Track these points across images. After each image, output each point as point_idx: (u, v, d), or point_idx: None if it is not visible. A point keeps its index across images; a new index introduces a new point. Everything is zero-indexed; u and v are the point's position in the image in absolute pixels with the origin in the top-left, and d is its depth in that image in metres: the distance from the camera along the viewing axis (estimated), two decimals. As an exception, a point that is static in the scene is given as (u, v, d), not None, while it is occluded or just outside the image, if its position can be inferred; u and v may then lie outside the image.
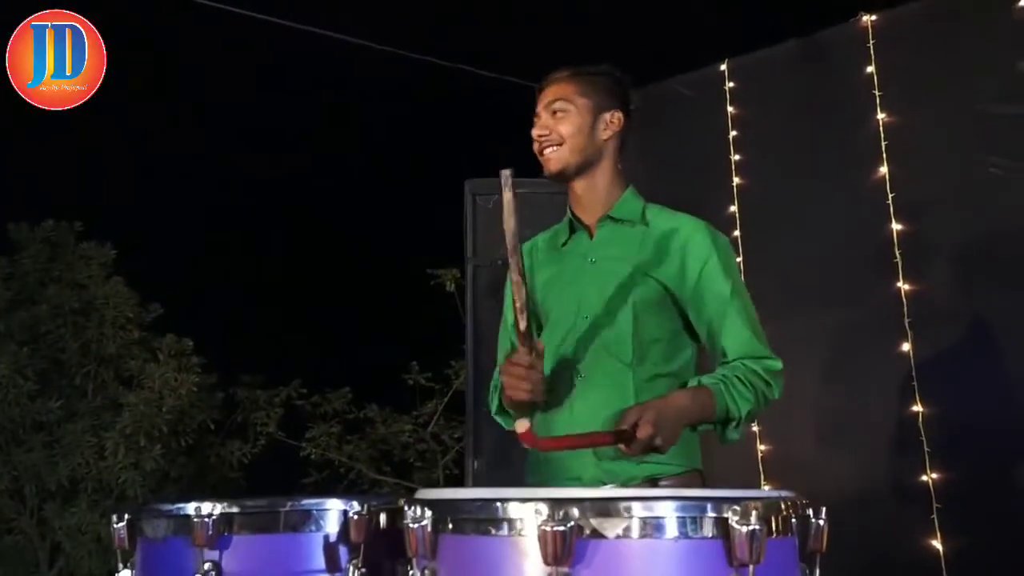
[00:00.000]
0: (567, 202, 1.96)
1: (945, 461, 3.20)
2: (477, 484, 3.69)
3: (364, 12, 5.37)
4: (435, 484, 5.87)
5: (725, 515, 1.03)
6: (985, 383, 3.21)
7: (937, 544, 3.13)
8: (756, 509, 1.02)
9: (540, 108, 1.90)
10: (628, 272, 1.83)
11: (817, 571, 1.17)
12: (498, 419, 1.99)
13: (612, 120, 1.90)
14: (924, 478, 3.20)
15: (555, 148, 1.87)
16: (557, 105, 1.87)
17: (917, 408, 3.27)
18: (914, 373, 3.30)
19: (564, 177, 1.89)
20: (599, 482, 1.78)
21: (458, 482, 5.55)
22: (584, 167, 1.88)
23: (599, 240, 1.90)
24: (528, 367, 1.65)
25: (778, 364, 1.80)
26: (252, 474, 5.57)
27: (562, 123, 1.86)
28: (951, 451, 3.21)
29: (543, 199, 3.50)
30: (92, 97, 3.91)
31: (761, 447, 3.68)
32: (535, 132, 1.89)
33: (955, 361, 3.27)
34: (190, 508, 1.42)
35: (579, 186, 1.90)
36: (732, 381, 1.73)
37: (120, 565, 1.53)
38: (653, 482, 1.78)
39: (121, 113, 6.03)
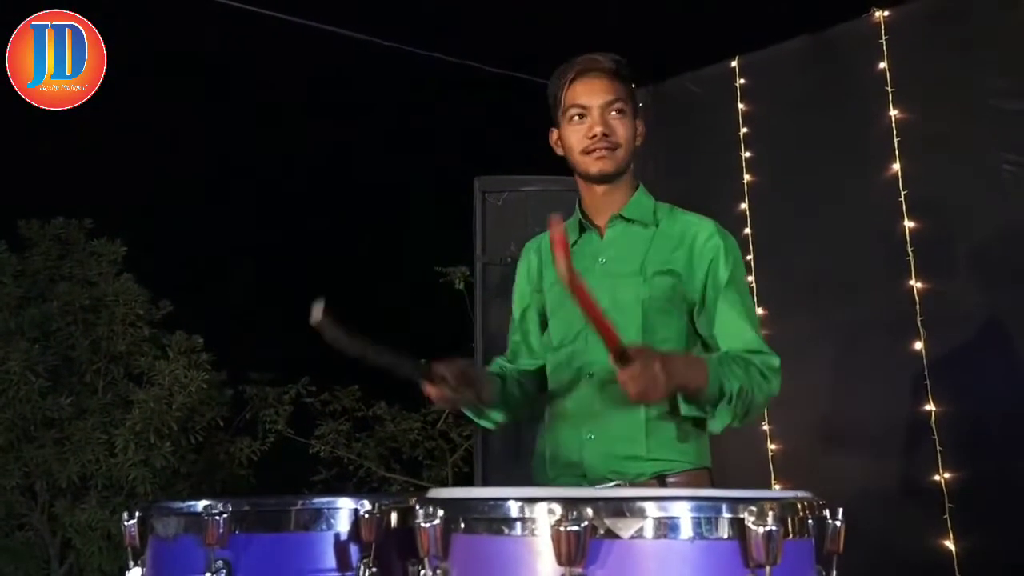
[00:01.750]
0: (577, 200, 1.95)
1: (958, 460, 3.18)
2: (486, 482, 3.68)
3: (371, 8, 5.36)
4: (444, 482, 5.87)
5: (741, 516, 1.01)
6: (998, 382, 3.19)
7: (950, 544, 3.11)
8: (773, 510, 1.01)
9: (593, 102, 1.81)
10: (637, 272, 1.82)
11: (834, 573, 1.16)
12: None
13: (641, 128, 1.89)
14: (936, 478, 3.18)
15: (613, 150, 1.81)
16: (617, 106, 1.81)
17: (929, 407, 3.25)
18: (926, 372, 3.28)
19: (609, 179, 1.85)
20: (607, 480, 1.77)
21: (467, 480, 5.55)
22: (622, 174, 1.86)
23: (609, 240, 1.89)
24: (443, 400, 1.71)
25: (775, 360, 1.76)
26: (261, 471, 5.58)
27: (622, 126, 1.82)
28: (964, 450, 3.19)
29: (554, 197, 3.50)
30: (99, 94, 3.92)
31: (771, 446, 3.67)
32: (597, 129, 1.80)
33: (968, 360, 3.25)
34: (201, 506, 1.42)
35: (603, 189, 1.87)
36: (725, 360, 1.70)
37: (131, 563, 1.53)
38: (661, 479, 1.77)
39: (129, 111, 6.05)
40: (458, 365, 1.72)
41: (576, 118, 1.83)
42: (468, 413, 1.92)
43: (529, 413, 1.99)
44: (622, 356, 1.50)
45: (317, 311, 1.56)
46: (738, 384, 1.66)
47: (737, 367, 1.68)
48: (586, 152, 1.82)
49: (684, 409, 1.70)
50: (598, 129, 1.80)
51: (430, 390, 1.72)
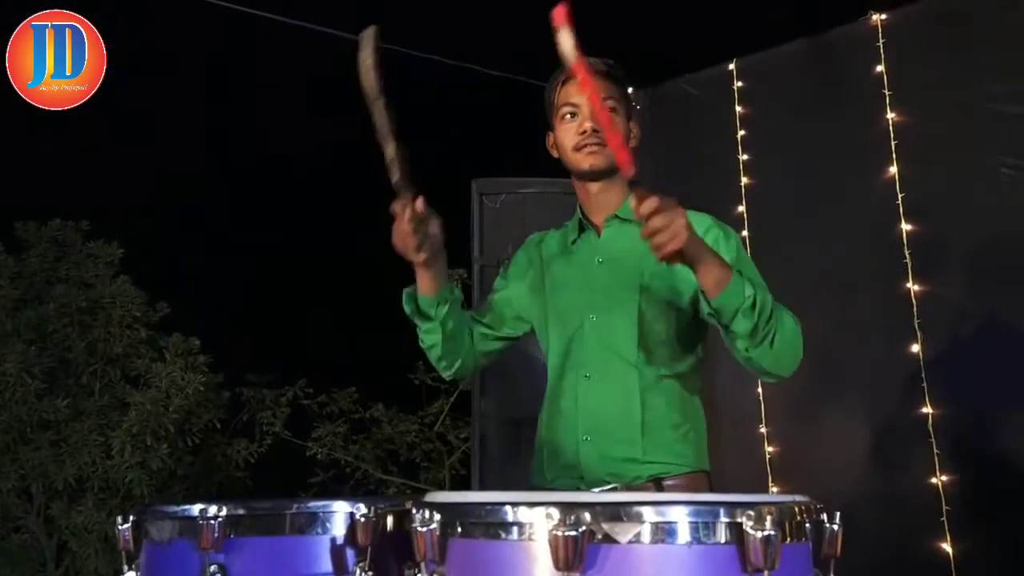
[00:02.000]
0: (577, 201, 1.95)
1: (955, 463, 3.18)
2: (484, 484, 3.68)
3: (370, 11, 5.34)
4: (441, 484, 5.86)
5: (739, 520, 1.01)
6: (995, 385, 3.19)
7: (947, 547, 3.11)
8: (771, 514, 1.00)
9: (583, 101, 1.82)
10: (635, 272, 1.82)
11: (831, 577, 1.16)
12: (414, 319, 1.89)
13: (634, 132, 1.89)
14: (934, 480, 3.18)
15: (603, 146, 1.81)
16: (608, 104, 1.81)
17: (927, 410, 3.25)
18: (924, 374, 3.28)
19: (598, 175, 1.85)
20: (604, 483, 1.77)
21: (464, 482, 5.55)
22: (615, 171, 1.84)
23: (606, 240, 1.89)
24: (404, 217, 1.67)
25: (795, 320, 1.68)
26: (258, 474, 5.57)
27: (616, 123, 1.81)
28: (961, 453, 3.19)
29: (551, 199, 3.50)
30: (97, 95, 3.91)
31: (769, 449, 3.67)
32: (587, 125, 1.81)
33: (965, 362, 3.25)
34: (195, 510, 1.41)
35: (597, 187, 1.88)
36: (749, 275, 1.63)
37: (125, 567, 1.52)
38: (658, 482, 1.76)
39: (127, 112, 6.04)
40: (430, 224, 1.70)
41: (568, 116, 1.85)
42: (407, 296, 1.87)
43: (453, 353, 1.92)
44: (636, 182, 1.46)
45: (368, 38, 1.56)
46: (762, 295, 1.57)
47: (762, 289, 1.62)
48: (577, 148, 1.83)
49: (703, 307, 1.61)
50: (588, 125, 1.81)
51: (396, 209, 1.69)
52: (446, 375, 1.98)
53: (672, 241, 1.47)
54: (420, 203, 1.67)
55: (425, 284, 1.81)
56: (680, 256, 1.51)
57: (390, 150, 1.61)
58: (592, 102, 1.44)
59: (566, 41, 1.33)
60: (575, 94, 1.83)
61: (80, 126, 4.78)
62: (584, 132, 1.81)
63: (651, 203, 1.46)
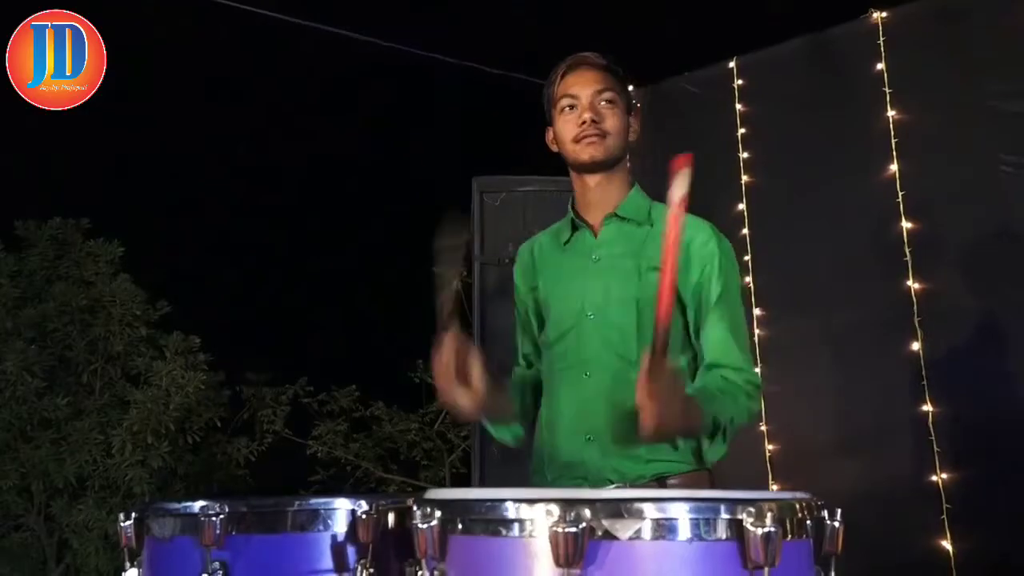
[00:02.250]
0: (570, 200, 1.94)
1: (955, 461, 3.18)
2: (484, 483, 3.68)
3: (371, 9, 5.36)
4: (441, 483, 5.86)
5: (739, 517, 1.01)
6: (996, 383, 3.19)
7: (947, 545, 3.11)
8: (771, 511, 1.00)
9: (583, 91, 1.82)
10: (632, 270, 1.81)
11: (832, 574, 1.16)
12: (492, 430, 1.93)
13: (635, 125, 1.89)
14: (934, 478, 3.18)
15: (603, 137, 1.81)
16: (607, 96, 1.82)
17: (927, 408, 3.25)
18: (924, 372, 3.28)
19: (599, 167, 1.84)
20: (606, 481, 1.77)
21: (464, 481, 5.55)
22: (614, 164, 1.85)
23: (603, 238, 1.88)
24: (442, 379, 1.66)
25: (758, 379, 1.79)
26: (258, 472, 5.57)
27: (612, 115, 1.82)
28: (961, 451, 3.19)
29: (551, 197, 3.50)
30: (97, 94, 3.92)
31: (769, 447, 3.66)
32: (586, 116, 1.81)
33: (965, 360, 3.25)
34: (197, 507, 1.41)
35: (595, 180, 1.86)
36: (713, 391, 1.71)
37: (127, 564, 1.52)
38: (661, 481, 1.76)
39: (127, 111, 6.04)
40: (471, 357, 1.67)
41: (567, 109, 1.84)
42: (486, 424, 1.90)
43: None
44: (659, 350, 1.45)
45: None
46: (729, 415, 1.69)
47: (727, 397, 1.71)
48: (576, 140, 1.82)
49: (680, 444, 1.71)
50: (587, 115, 1.81)
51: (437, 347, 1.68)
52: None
53: (662, 428, 1.50)
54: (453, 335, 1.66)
55: (495, 420, 1.86)
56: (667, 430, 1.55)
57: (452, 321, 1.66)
58: (668, 253, 1.41)
59: (679, 189, 1.33)
60: (573, 85, 1.83)
61: (80, 126, 4.78)
62: (583, 123, 1.81)
63: (663, 379, 1.47)
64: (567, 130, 1.83)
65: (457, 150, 6.88)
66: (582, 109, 1.81)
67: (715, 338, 1.78)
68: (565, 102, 1.84)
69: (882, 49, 3.52)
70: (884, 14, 3.55)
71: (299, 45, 5.74)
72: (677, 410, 1.50)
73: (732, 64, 4.01)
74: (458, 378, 1.66)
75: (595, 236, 1.89)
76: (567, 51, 1.90)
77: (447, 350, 1.66)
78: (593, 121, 1.80)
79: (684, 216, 1.40)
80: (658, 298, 1.40)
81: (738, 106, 3.94)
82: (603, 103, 1.82)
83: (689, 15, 5.68)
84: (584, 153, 1.82)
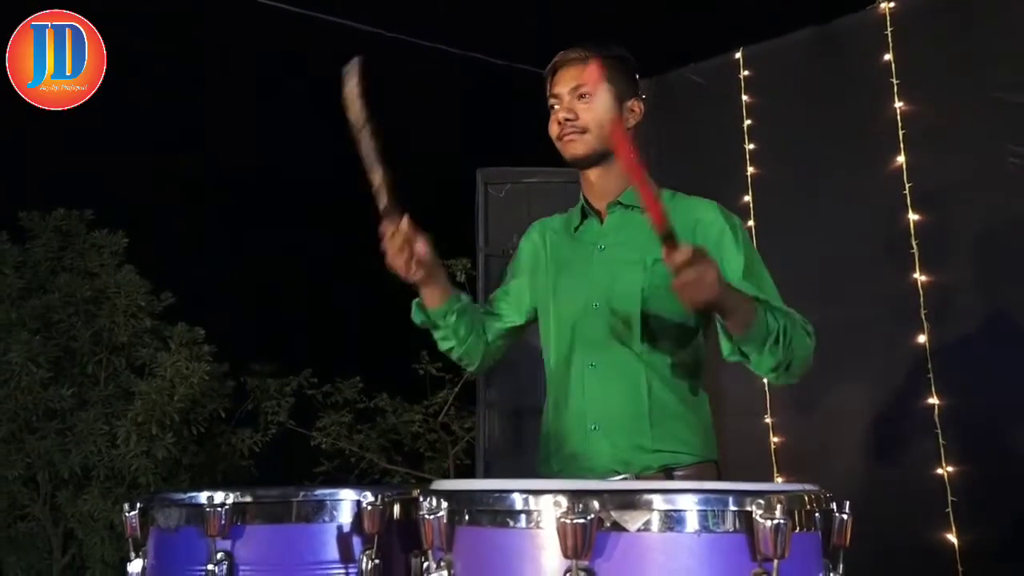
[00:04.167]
0: (580, 187, 1.94)
1: (961, 454, 3.17)
2: (488, 475, 3.68)
3: (375, 0, 5.34)
4: (445, 474, 5.87)
5: (748, 509, 1.01)
6: (1002, 376, 3.18)
7: (952, 538, 3.11)
8: (781, 503, 1.00)
9: (562, 90, 1.85)
10: (638, 259, 1.81)
11: (840, 567, 1.15)
12: (417, 321, 1.96)
13: (634, 108, 1.87)
14: (939, 471, 3.17)
15: (580, 134, 1.82)
16: (584, 89, 1.82)
17: (933, 400, 3.24)
18: (930, 365, 3.27)
19: (584, 163, 1.86)
20: (613, 472, 1.76)
21: (469, 472, 5.55)
22: (606, 155, 1.84)
23: (609, 226, 1.88)
24: (391, 240, 1.73)
25: (810, 325, 1.75)
26: (263, 463, 5.57)
27: (589, 109, 1.82)
28: (967, 444, 3.18)
29: (556, 188, 3.49)
30: (99, 94, 3.91)
31: (774, 439, 3.66)
32: (560, 115, 1.83)
33: (971, 353, 3.23)
34: (202, 498, 1.41)
35: (594, 173, 1.87)
36: (768, 305, 1.68)
37: (132, 554, 1.53)
38: (668, 472, 1.76)
39: (130, 103, 6.03)
40: (417, 243, 1.75)
41: (554, 108, 1.87)
42: (416, 307, 1.93)
43: (471, 352, 1.98)
44: (669, 236, 1.45)
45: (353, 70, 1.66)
46: (782, 324, 1.64)
47: (780, 314, 1.67)
48: (558, 139, 1.86)
49: (726, 349, 1.67)
50: (562, 115, 1.84)
51: (384, 232, 1.75)
52: (469, 371, 2.06)
53: (703, 293, 1.49)
54: (405, 223, 1.73)
55: (428, 299, 1.89)
56: (708, 305, 1.54)
57: (377, 177, 1.70)
58: (644, 196, 1.47)
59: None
60: (556, 84, 1.86)
61: (81, 123, 4.78)
62: (560, 123, 1.83)
63: (683, 254, 1.45)
64: (552, 129, 1.88)
65: (461, 141, 6.87)
66: (560, 108, 1.84)
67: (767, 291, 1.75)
68: (551, 101, 1.88)
69: (889, 40, 3.50)
70: (891, 5, 3.53)
71: (301, 36, 5.71)
72: (713, 275, 1.48)
73: (738, 55, 3.99)
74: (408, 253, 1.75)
75: (601, 224, 1.89)
76: (572, 41, 1.91)
77: (401, 232, 1.73)
78: (567, 120, 1.82)
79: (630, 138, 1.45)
80: (647, 211, 1.47)
81: (744, 97, 3.92)
82: (579, 99, 1.83)
83: (695, 5, 5.66)
84: (566, 151, 1.86)
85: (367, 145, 1.70)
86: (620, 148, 1.44)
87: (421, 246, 1.76)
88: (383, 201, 1.71)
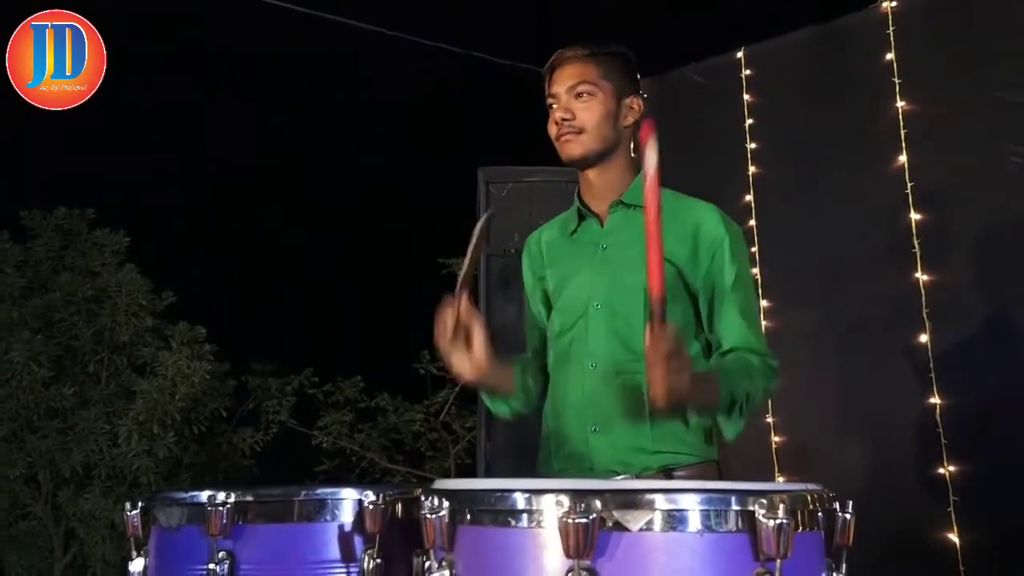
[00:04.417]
0: (576, 190, 1.93)
1: (962, 454, 3.17)
2: (489, 474, 3.67)
3: (377, -1, 5.33)
4: (446, 474, 5.87)
5: (751, 508, 1.00)
6: (1004, 375, 3.18)
7: (953, 537, 3.10)
8: (783, 502, 0.99)
9: (559, 89, 1.83)
10: (639, 260, 1.79)
11: (843, 567, 1.15)
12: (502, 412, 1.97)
13: (633, 106, 1.86)
14: (941, 471, 3.17)
15: (578, 134, 1.81)
16: (581, 88, 1.80)
17: (934, 400, 3.24)
18: (931, 364, 3.27)
19: (583, 163, 1.84)
20: (613, 473, 1.76)
21: (470, 472, 5.55)
22: (605, 155, 1.83)
23: (610, 227, 1.87)
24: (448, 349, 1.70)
25: (775, 362, 1.76)
26: (264, 462, 5.58)
27: (587, 109, 1.80)
28: (968, 443, 3.18)
29: (557, 188, 3.48)
30: (100, 84, 3.91)
31: (775, 438, 3.66)
32: (557, 115, 1.82)
33: (973, 353, 3.23)
34: (204, 497, 1.41)
35: (594, 173, 1.86)
36: (731, 367, 1.70)
37: (133, 553, 1.52)
38: (668, 473, 1.75)
39: (130, 103, 6.02)
40: (473, 327, 1.70)
41: (552, 108, 1.86)
42: (483, 395, 1.95)
43: (531, 399, 1.99)
44: (661, 308, 1.45)
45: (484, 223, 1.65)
46: (745, 391, 1.67)
47: (743, 374, 1.69)
48: (556, 139, 1.84)
49: (692, 421, 1.72)
50: (558, 115, 1.82)
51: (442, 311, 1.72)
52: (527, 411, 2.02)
53: (678, 393, 1.48)
54: (465, 301, 1.69)
55: (497, 384, 1.88)
56: (680, 404, 1.53)
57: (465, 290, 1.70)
58: (651, 224, 1.45)
59: (651, 158, 1.38)
60: (553, 84, 1.84)
61: (81, 123, 4.78)
62: (558, 123, 1.82)
63: (669, 343, 1.45)
64: (550, 129, 1.86)
65: (463, 140, 6.86)
66: (558, 108, 1.83)
67: (733, 324, 1.77)
68: (549, 101, 1.86)
69: (891, 39, 3.50)
70: (893, 4, 3.53)
71: (303, 36, 5.71)
72: (686, 379, 1.48)
73: (740, 54, 3.99)
74: (460, 341, 1.70)
75: (602, 225, 1.88)
76: (573, 40, 1.89)
77: (451, 311, 1.69)
78: (564, 120, 1.80)
79: (659, 185, 1.42)
80: (648, 269, 1.43)
81: (746, 96, 3.92)
82: (576, 98, 1.81)
83: (696, 5, 5.65)
84: (563, 152, 1.84)
85: (468, 273, 1.70)
86: (650, 203, 1.41)
87: (478, 337, 1.70)
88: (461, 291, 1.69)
